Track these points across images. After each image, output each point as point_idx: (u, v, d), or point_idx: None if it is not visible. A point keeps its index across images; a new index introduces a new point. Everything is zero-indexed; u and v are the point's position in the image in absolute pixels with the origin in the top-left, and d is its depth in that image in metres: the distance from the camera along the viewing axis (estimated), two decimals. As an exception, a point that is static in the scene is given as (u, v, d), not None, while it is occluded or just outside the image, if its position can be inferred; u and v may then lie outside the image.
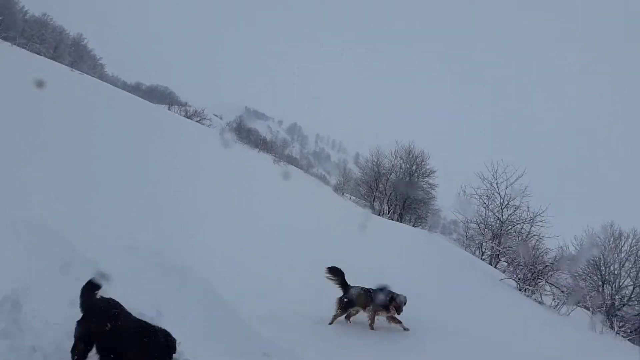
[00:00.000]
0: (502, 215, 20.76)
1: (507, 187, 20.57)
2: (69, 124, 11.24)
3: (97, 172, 8.97)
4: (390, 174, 32.47)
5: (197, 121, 32.51)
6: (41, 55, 38.27)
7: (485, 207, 21.37)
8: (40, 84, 10.72)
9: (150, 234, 7.08)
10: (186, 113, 33.62)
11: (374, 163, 32.79)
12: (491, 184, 21.07)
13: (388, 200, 32.09)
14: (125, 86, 74.16)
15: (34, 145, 8.95)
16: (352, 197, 31.86)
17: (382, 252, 10.33)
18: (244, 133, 33.83)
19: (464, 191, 22.21)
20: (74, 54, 74.46)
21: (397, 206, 31.96)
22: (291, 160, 30.36)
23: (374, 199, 32.26)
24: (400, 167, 32.18)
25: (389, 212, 31.48)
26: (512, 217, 20.50)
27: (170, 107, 35.69)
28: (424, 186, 32.02)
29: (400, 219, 30.67)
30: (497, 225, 20.67)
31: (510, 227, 20.47)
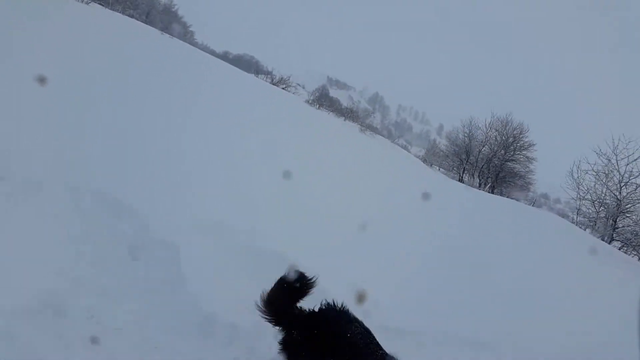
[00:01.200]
0: (620, 193, 18.66)
1: (627, 164, 18.36)
2: (153, 86, 10.66)
3: (175, 140, 7.94)
4: (483, 146, 30.94)
5: (282, 88, 32.30)
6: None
7: (602, 184, 19.32)
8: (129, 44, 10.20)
9: (234, 211, 5.91)
10: (272, 80, 33.45)
11: (466, 134, 31.27)
12: (609, 160, 18.92)
13: (480, 173, 30.64)
14: (213, 54, 75.85)
15: (108, 104, 8.00)
16: (441, 169, 30.37)
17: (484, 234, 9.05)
18: (327, 102, 33.01)
19: (578, 167, 20.20)
20: (165, 20, 77.13)
21: (490, 179, 30.48)
22: (373, 130, 29.18)
23: (464, 170, 31.08)
24: (495, 140, 30.51)
25: (479, 185, 30.15)
26: (632, 195, 18.40)
27: (257, 74, 35.70)
28: (521, 159, 30.17)
29: (491, 192, 29.26)
30: (615, 203, 18.66)
31: (629, 205, 18.41)
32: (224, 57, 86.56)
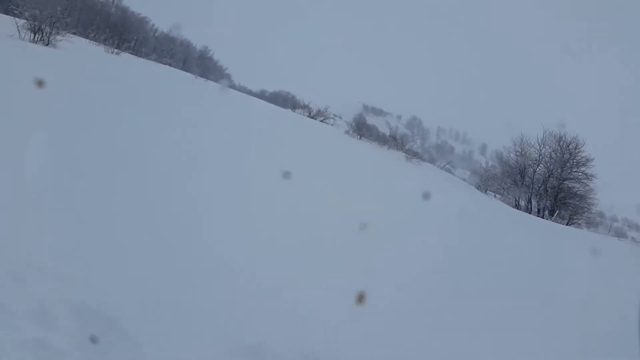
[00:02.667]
0: None
1: None
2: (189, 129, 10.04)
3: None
4: (538, 164, 29.00)
5: (320, 121, 31.71)
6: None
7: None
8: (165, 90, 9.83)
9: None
10: (309, 114, 32.93)
11: (518, 153, 29.35)
12: None
13: (537, 195, 28.57)
14: (251, 93, 76.98)
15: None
16: (497, 195, 28.52)
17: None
18: (366, 130, 32.09)
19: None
20: (201, 65, 79.48)
21: (548, 201, 28.37)
22: (418, 157, 27.95)
23: (520, 193, 29.14)
24: (550, 157, 28.53)
25: (538, 209, 28.09)
26: None
27: (293, 109, 35.34)
28: (580, 177, 27.93)
29: (551, 215, 27.17)
30: None
31: None
32: (261, 95, 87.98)
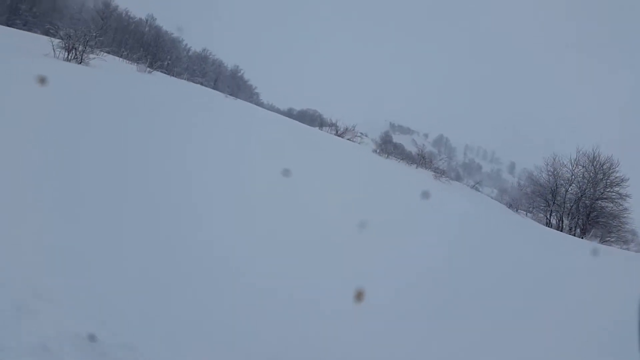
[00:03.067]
0: None
1: None
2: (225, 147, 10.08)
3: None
4: (570, 184, 28.38)
5: (348, 139, 31.62)
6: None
7: None
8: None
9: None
10: (336, 132, 32.86)
11: (550, 173, 28.87)
12: None
13: (569, 214, 27.91)
14: (279, 112, 77.82)
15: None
16: (528, 214, 27.89)
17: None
18: (392, 148, 31.93)
19: None
20: (232, 84, 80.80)
21: (580, 220, 27.64)
22: (444, 174, 27.49)
23: (551, 213, 28.53)
24: (583, 177, 27.86)
25: (570, 227, 27.39)
26: None
27: (321, 127, 35.34)
28: (613, 196, 27.26)
29: (583, 234, 26.44)
30: None
31: None
32: (289, 113, 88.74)
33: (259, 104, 74.60)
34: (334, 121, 34.25)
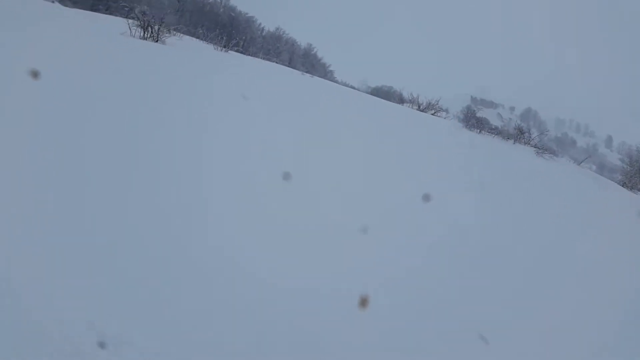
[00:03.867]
0: None
1: None
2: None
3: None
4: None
5: (432, 114, 29.49)
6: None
7: None
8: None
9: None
10: (419, 107, 30.74)
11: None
12: None
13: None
14: (353, 88, 76.11)
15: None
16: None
17: None
18: (474, 123, 29.46)
19: None
20: (306, 63, 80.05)
21: None
22: (547, 150, 24.62)
23: None
24: None
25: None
26: None
27: (401, 102, 33.28)
28: None
29: None
30: None
31: None
32: (360, 88, 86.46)
33: (333, 81, 73.36)
34: (414, 96, 32.08)
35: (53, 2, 45.34)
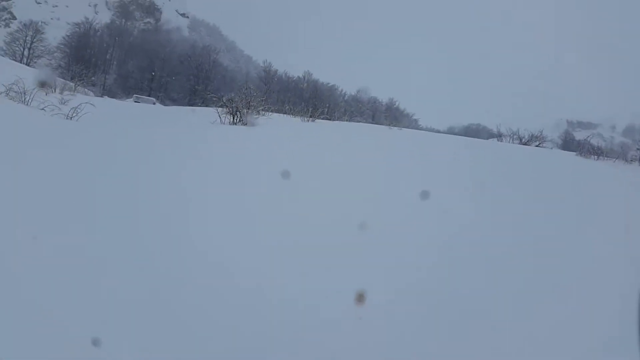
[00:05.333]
0: None
1: None
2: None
3: None
4: None
5: (536, 146, 27.56)
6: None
7: None
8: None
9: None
10: (520, 140, 28.90)
11: None
12: None
13: None
14: (439, 132, 74.51)
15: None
16: None
17: None
18: (574, 147, 27.09)
19: None
20: (390, 117, 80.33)
21: None
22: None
23: None
24: None
25: None
26: None
27: (499, 139, 31.46)
28: None
29: None
30: None
31: None
32: (451, 132, 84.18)
33: (418, 127, 72.41)
34: (509, 130, 30.22)
35: (154, 103, 50.51)
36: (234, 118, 16.90)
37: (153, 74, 75.56)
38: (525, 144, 27.51)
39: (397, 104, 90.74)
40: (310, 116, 24.90)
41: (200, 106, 57.65)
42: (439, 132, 68.72)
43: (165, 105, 58.11)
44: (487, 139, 53.10)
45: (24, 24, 79.41)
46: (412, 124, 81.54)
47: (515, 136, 29.31)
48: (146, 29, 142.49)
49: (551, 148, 27.96)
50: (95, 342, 3.09)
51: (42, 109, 13.14)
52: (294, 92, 75.75)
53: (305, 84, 78.05)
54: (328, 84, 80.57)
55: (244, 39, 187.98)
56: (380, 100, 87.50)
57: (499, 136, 31.82)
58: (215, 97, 19.71)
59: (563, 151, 26.93)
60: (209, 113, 19.48)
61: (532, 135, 28.55)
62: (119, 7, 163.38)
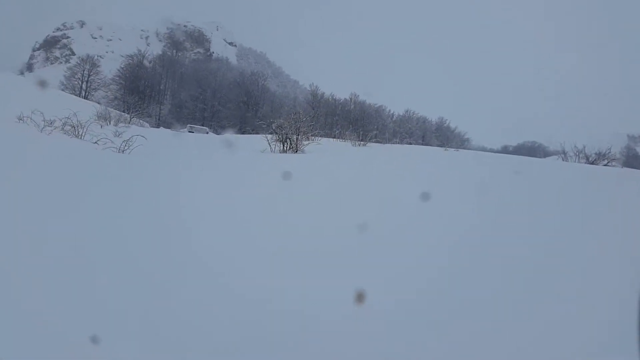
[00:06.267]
0: None
1: None
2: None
3: None
4: None
5: (604, 165, 25.75)
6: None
7: None
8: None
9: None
10: (587, 159, 27.13)
11: None
12: None
13: None
14: (492, 151, 72.00)
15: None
16: None
17: None
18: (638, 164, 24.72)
19: None
20: (440, 136, 78.64)
21: None
22: None
23: None
24: None
25: None
26: None
27: (563, 157, 29.63)
28: None
29: None
30: None
31: None
32: (505, 151, 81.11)
33: (469, 147, 70.27)
34: (578, 148, 28.32)
35: (207, 132, 51.51)
36: (283, 145, 16.41)
37: (205, 103, 77.61)
38: (592, 163, 25.73)
39: (447, 122, 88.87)
40: (361, 140, 24.22)
41: (250, 133, 58.41)
42: (492, 151, 66.46)
43: (217, 133, 59.23)
44: (544, 157, 50.68)
45: (82, 59, 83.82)
46: (464, 143, 79.41)
47: (581, 154, 27.48)
48: (196, 59, 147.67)
49: (622, 167, 25.93)
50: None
51: (95, 142, 13.12)
52: (340, 114, 75.56)
53: (352, 106, 77.75)
54: (375, 104, 79.94)
55: (290, 63, 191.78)
56: (429, 119, 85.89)
57: (564, 154, 29.95)
58: (264, 124, 19.37)
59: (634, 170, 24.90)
60: (259, 141, 19.18)
61: (599, 153, 26.66)
62: (170, 38, 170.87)
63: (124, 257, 4.84)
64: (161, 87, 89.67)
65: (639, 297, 2.50)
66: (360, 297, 4.22)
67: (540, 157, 43.75)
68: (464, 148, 54.39)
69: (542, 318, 4.38)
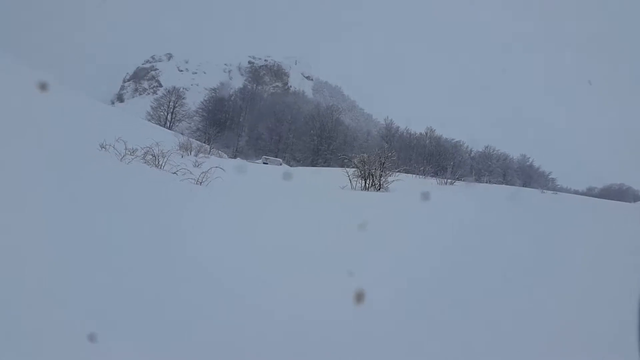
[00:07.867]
0: None
1: None
2: None
3: None
4: None
5: None
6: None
7: None
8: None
9: None
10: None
11: None
12: None
13: None
14: (577, 193, 66.57)
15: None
16: None
17: None
18: None
19: None
20: (522, 175, 74.14)
21: None
22: None
23: None
24: None
25: None
26: None
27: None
28: None
29: None
30: None
31: None
32: (589, 193, 74.70)
33: (556, 189, 65.43)
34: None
35: (280, 164, 51.73)
36: (366, 182, 15.32)
37: (280, 135, 78.96)
38: None
39: (530, 160, 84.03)
40: (449, 179, 22.59)
41: (322, 166, 58.13)
42: (577, 192, 61.44)
43: (290, 165, 59.48)
44: (634, 201, 45.85)
45: (168, 91, 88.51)
46: (549, 184, 74.42)
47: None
48: (275, 92, 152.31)
49: None
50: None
51: (174, 172, 12.81)
52: (416, 149, 73.69)
53: (427, 140, 75.65)
54: (452, 139, 77.29)
55: (364, 97, 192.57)
56: (511, 156, 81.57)
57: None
58: (346, 157, 18.45)
59: None
60: (335, 175, 18.24)
61: None
62: (251, 72, 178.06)
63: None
64: (240, 120, 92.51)
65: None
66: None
67: (629, 202, 41.54)
68: (551, 189, 50.60)
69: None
